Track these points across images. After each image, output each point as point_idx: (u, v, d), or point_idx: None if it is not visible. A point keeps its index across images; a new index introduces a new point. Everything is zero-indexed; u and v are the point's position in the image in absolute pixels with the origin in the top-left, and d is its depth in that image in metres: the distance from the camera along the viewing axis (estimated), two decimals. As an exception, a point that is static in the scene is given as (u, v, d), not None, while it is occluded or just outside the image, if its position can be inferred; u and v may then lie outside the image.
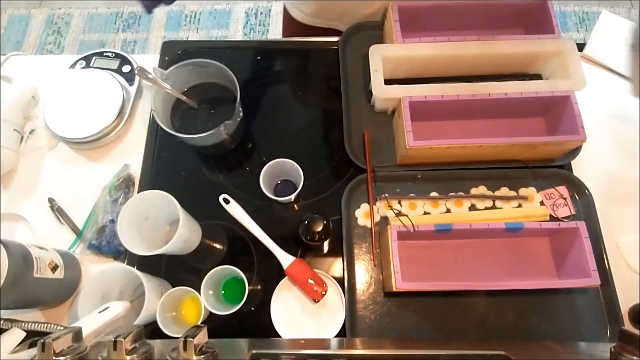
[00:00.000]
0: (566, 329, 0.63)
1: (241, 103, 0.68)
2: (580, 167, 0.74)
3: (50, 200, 0.72)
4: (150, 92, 0.66)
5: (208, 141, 0.68)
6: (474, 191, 0.71)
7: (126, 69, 0.79)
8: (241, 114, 0.70)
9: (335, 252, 0.68)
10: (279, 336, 0.60)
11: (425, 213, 0.69)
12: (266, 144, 0.76)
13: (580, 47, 0.81)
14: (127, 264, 0.66)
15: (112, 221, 0.68)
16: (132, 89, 0.78)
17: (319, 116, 0.79)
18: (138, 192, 0.72)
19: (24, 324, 0.54)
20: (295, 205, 0.72)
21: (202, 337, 0.40)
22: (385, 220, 0.69)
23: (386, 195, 0.70)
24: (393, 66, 0.72)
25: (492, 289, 0.62)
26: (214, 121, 0.67)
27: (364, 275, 0.66)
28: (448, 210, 0.69)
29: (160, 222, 0.68)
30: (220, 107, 0.71)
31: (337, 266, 0.67)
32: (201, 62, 0.68)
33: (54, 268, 0.60)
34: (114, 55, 0.80)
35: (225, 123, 0.64)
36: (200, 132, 0.63)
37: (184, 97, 0.68)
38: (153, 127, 0.77)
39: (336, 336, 0.61)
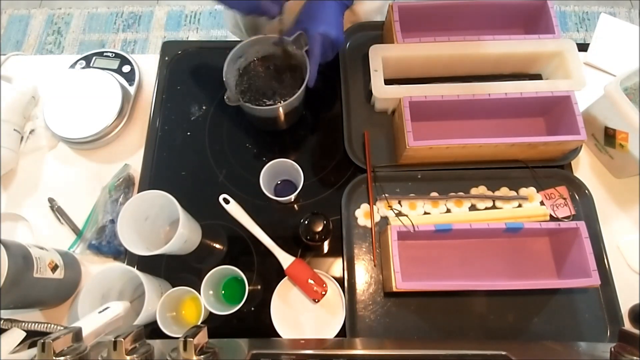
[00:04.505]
0: (566, 329, 0.63)
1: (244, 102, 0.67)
2: (580, 167, 0.74)
3: (50, 200, 0.72)
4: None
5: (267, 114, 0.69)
6: (474, 191, 0.71)
7: (126, 69, 0.79)
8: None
9: (335, 252, 0.68)
10: (279, 336, 0.60)
11: (425, 213, 0.69)
12: (266, 144, 0.76)
13: (580, 47, 0.81)
14: (127, 264, 0.66)
15: (112, 221, 0.68)
16: (132, 89, 0.77)
17: (319, 116, 0.79)
18: (138, 192, 0.72)
19: (24, 324, 0.54)
20: (295, 205, 0.72)
21: (202, 337, 0.40)
22: (385, 220, 0.69)
23: (386, 195, 0.70)
24: (393, 66, 0.72)
25: (492, 289, 0.62)
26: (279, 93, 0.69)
27: (364, 275, 0.66)
28: (448, 210, 0.69)
29: (160, 222, 0.68)
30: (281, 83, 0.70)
31: (337, 266, 0.67)
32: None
33: (54, 268, 0.60)
34: (114, 55, 0.80)
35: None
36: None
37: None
38: (153, 127, 0.77)
39: (336, 336, 0.60)
